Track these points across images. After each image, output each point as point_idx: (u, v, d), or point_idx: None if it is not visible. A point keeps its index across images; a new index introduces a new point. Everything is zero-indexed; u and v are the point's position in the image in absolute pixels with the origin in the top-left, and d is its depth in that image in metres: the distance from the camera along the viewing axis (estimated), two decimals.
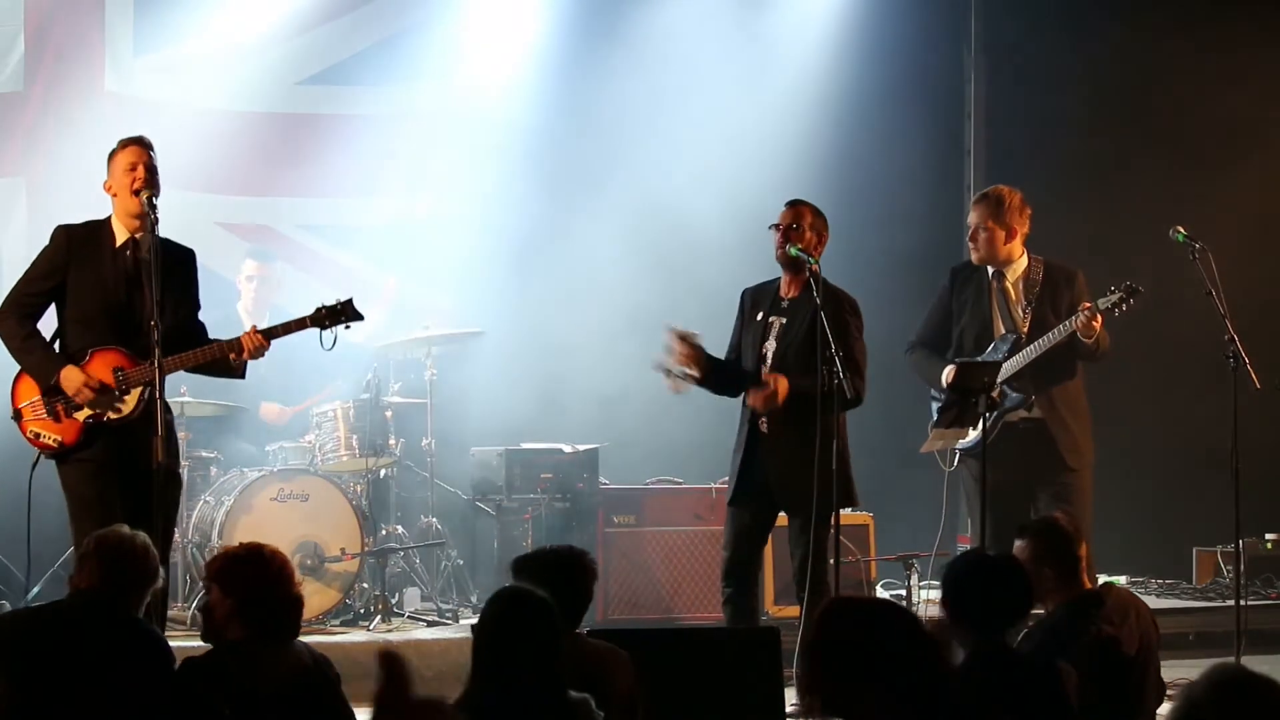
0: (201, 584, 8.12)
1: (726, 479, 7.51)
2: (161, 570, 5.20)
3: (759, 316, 7.27)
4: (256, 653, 4.51)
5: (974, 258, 7.85)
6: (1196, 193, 10.14)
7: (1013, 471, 7.49)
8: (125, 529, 5.07)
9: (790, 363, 7.12)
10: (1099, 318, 7.50)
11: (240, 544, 4.85)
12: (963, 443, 7.72)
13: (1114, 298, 7.55)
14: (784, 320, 7.22)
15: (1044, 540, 5.54)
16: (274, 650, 4.55)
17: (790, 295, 7.26)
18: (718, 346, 7.36)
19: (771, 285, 7.36)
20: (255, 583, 4.57)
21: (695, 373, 7.17)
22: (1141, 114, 10.84)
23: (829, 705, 3.58)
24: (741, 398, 7.29)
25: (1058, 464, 7.69)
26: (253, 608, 4.55)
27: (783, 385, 7.00)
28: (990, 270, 7.82)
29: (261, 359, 6.66)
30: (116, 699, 4.64)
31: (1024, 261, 7.82)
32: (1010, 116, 11.12)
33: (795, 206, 7.27)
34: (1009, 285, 7.81)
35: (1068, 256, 8.11)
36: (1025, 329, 7.71)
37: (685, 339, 7.15)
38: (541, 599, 4.28)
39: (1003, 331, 7.75)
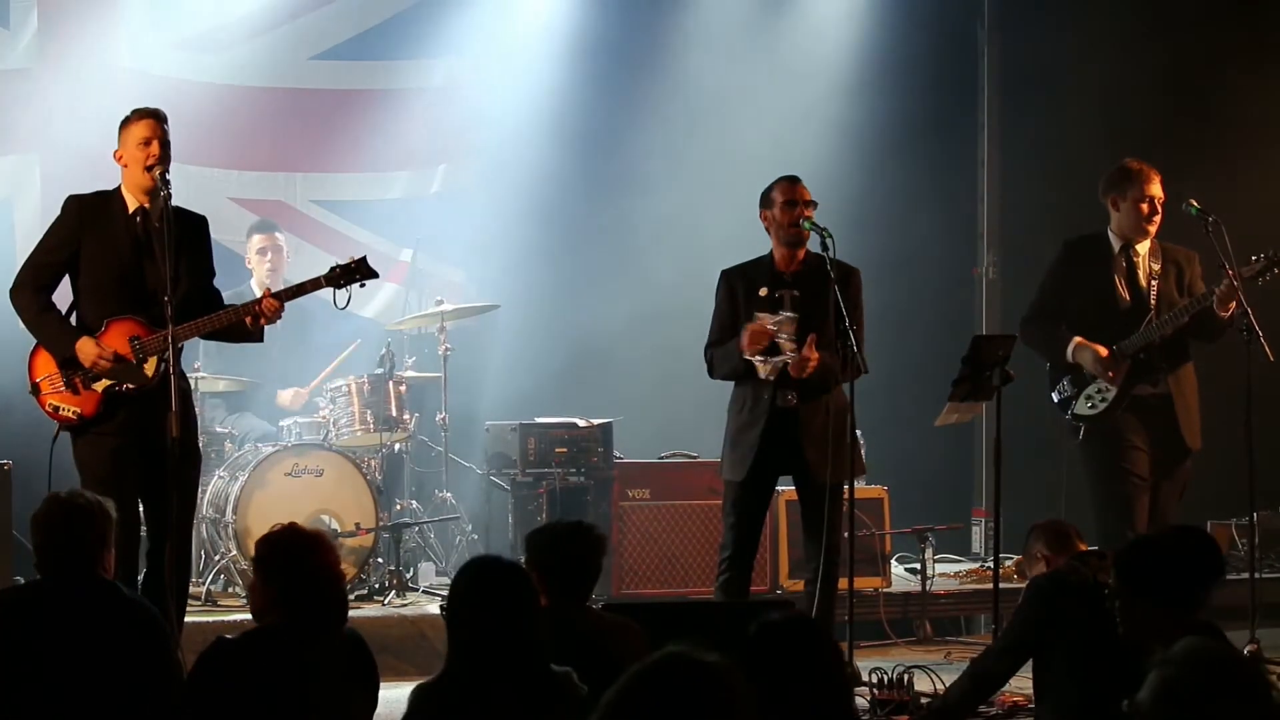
0: (219, 558, 8.21)
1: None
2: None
3: (762, 293, 7.18)
4: (294, 639, 4.38)
5: (1150, 229, 7.63)
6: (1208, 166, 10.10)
7: (1142, 444, 7.56)
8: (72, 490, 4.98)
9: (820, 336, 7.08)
10: (1240, 288, 7.33)
11: (287, 526, 4.58)
12: (1086, 411, 7.62)
13: (1257, 266, 7.42)
14: (795, 293, 7.18)
15: (1039, 529, 5.91)
16: (314, 638, 4.42)
17: (793, 269, 7.23)
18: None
19: (760, 262, 7.27)
20: (296, 572, 4.41)
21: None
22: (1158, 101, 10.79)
23: None
24: (748, 376, 7.16)
25: (1179, 446, 7.64)
26: (292, 597, 4.39)
27: (815, 356, 6.96)
28: (1118, 244, 7.70)
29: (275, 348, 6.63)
30: (94, 667, 4.54)
31: (1149, 240, 7.75)
32: (1025, 92, 11.10)
33: (801, 182, 7.25)
34: (1138, 260, 7.69)
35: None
36: (1153, 304, 7.62)
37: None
38: (512, 565, 4.20)
39: (1128, 305, 7.64)
